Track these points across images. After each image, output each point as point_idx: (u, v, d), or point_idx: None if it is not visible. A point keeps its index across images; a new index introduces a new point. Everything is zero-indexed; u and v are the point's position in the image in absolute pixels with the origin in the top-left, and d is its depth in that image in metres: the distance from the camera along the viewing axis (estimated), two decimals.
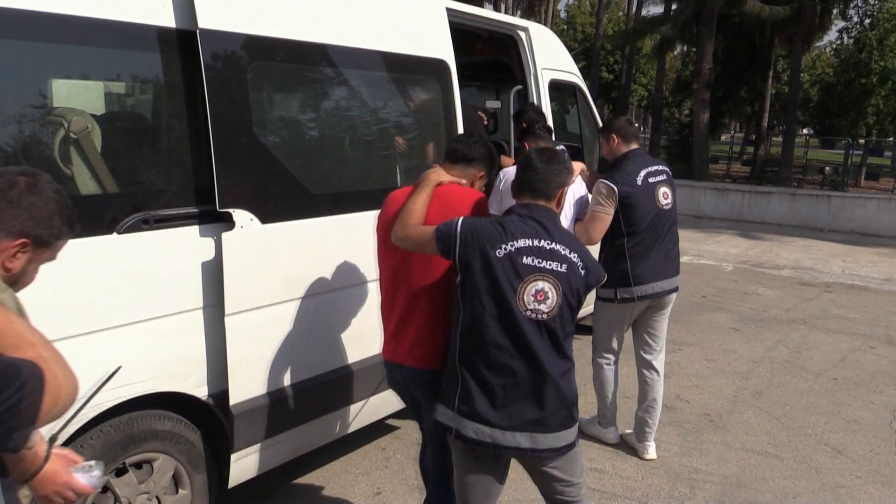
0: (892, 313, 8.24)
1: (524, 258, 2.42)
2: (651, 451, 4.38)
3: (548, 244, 2.45)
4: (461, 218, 2.50)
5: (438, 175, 2.77)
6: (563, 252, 2.46)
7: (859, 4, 26.39)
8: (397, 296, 2.83)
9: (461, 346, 2.49)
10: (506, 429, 2.45)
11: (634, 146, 4.18)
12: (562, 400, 2.50)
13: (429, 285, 2.75)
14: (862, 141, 25.34)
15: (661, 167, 4.20)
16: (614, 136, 4.15)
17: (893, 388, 5.78)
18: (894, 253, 12.41)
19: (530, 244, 2.44)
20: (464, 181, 2.85)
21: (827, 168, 23.48)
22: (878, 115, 25.24)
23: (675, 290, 4.25)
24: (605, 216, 3.96)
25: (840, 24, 27.80)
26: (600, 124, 5.68)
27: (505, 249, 2.42)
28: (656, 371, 4.36)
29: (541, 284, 2.42)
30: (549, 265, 2.44)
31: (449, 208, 2.68)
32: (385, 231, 2.84)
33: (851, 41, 27.16)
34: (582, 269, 2.49)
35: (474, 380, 2.46)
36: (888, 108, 24.64)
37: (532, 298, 2.41)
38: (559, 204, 2.59)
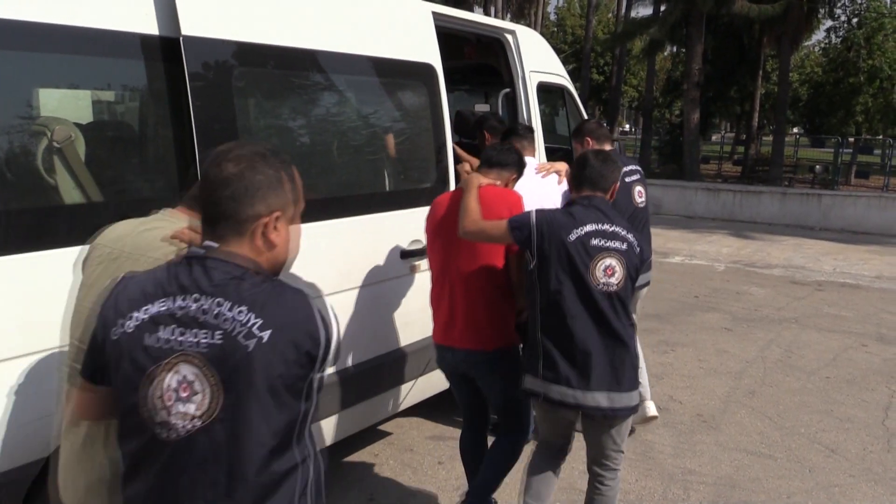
0: (883, 311, 8.28)
1: (592, 240, 2.83)
2: (651, 408, 4.48)
3: (609, 227, 2.87)
4: (534, 211, 2.92)
5: (478, 179, 3.19)
6: (622, 233, 2.88)
7: (846, 3, 26.51)
8: (446, 286, 3.23)
9: (542, 321, 2.87)
10: (587, 390, 2.81)
11: (608, 147, 4.27)
12: (632, 362, 2.90)
13: (475, 276, 3.15)
14: (852, 139, 25.45)
15: (635, 167, 4.40)
16: (588, 138, 4.26)
17: (885, 385, 5.80)
18: (885, 250, 12.48)
19: (596, 228, 2.85)
20: (498, 182, 3.29)
21: (817, 167, 23.57)
22: (866, 113, 25.30)
23: (648, 284, 4.46)
24: None
25: (828, 23, 27.94)
26: None
27: (577, 234, 2.82)
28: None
29: (609, 261, 2.82)
30: (613, 244, 2.84)
31: (493, 205, 3.12)
32: (434, 231, 3.32)
33: (839, 40, 27.23)
34: (637, 247, 2.91)
35: (557, 349, 2.84)
36: (877, 107, 24.68)
37: (602, 273, 2.81)
38: (612, 196, 3.02)
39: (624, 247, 2.85)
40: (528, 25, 29.06)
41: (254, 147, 1.60)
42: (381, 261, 3.69)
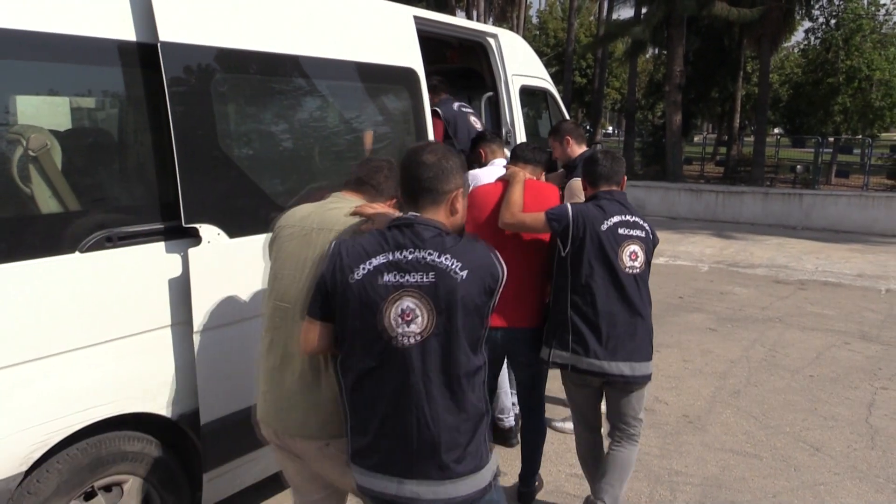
0: (865, 309, 8.35)
1: (619, 229, 3.22)
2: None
3: (630, 218, 3.27)
4: (568, 205, 3.29)
5: (523, 173, 3.54)
6: (640, 223, 3.28)
7: (824, 5, 26.79)
8: None
9: (572, 300, 3.22)
10: (611, 360, 3.19)
11: (585, 147, 4.42)
12: (649, 334, 3.29)
13: (521, 263, 3.38)
14: (832, 139, 25.70)
15: None
16: (569, 137, 4.36)
17: (868, 383, 5.84)
18: (866, 249, 12.59)
19: (621, 219, 3.24)
20: (533, 177, 3.69)
21: (798, 167, 23.78)
22: (845, 112, 25.56)
23: None
24: None
25: (807, 24, 28.21)
26: None
27: (607, 224, 3.20)
28: None
29: (633, 247, 3.22)
30: (635, 232, 3.24)
31: (541, 196, 3.55)
32: (485, 219, 3.52)
33: (818, 41, 27.50)
34: (652, 234, 3.32)
35: (585, 325, 3.20)
36: (855, 106, 24.95)
37: (628, 258, 3.21)
38: (622, 187, 3.41)
39: (643, 234, 3.27)
40: (510, 29, 29.09)
41: (440, 145, 2.26)
42: None
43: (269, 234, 2.54)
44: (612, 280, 3.19)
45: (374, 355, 2.06)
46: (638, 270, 3.23)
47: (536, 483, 3.91)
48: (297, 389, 2.35)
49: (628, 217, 3.26)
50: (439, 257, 2.05)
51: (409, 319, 2.02)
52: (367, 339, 2.06)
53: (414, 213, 2.13)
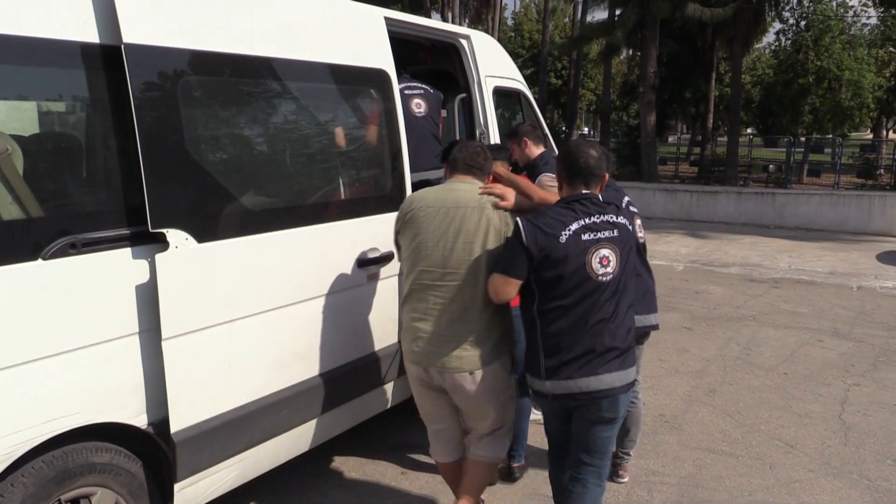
0: (837, 306, 8.45)
1: (631, 207, 3.87)
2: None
3: (630, 199, 3.93)
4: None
5: (506, 170, 3.80)
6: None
7: (794, 7, 27.15)
8: None
9: None
10: (645, 314, 3.84)
11: (543, 148, 4.47)
12: (654, 289, 4.07)
13: None
14: (803, 139, 26.02)
15: None
16: (526, 139, 4.39)
17: (841, 380, 5.91)
18: (837, 247, 12.77)
19: (629, 199, 3.89)
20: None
21: (771, 166, 24.07)
22: (814, 112, 25.87)
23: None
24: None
25: (778, 25, 28.54)
26: (546, 129, 5.70)
27: (624, 202, 3.79)
28: None
29: (639, 220, 3.86)
30: (637, 210, 3.94)
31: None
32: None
33: (788, 42, 27.84)
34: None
35: None
36: (826, 105, 25.27)
37: (639, 230, 3.80)
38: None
39: (637, 210, 3.94)
40: (486, 30, 29.10)
41: (594, 142, 3.05)
42: (338, 270, 3.62)
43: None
44: (637, 250, 3.70)
45: (580, 292, 2.82)
46: (644, 240, 3.93)
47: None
48: (450, 333, 3.00)
49: (629, 198, 3.93)
50: (616, 218, 2.91)
51: (606, 264, 2.83)
52: (574, 281, 2.81)
53: (585, 191, 2.92)
